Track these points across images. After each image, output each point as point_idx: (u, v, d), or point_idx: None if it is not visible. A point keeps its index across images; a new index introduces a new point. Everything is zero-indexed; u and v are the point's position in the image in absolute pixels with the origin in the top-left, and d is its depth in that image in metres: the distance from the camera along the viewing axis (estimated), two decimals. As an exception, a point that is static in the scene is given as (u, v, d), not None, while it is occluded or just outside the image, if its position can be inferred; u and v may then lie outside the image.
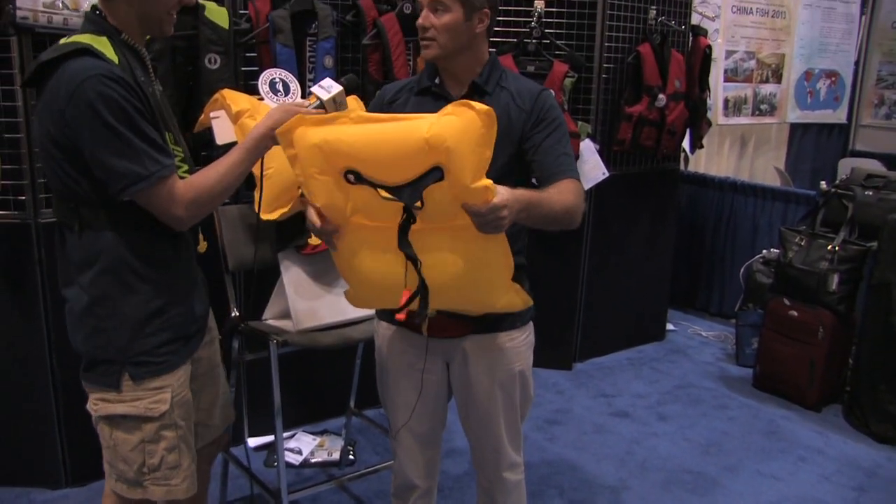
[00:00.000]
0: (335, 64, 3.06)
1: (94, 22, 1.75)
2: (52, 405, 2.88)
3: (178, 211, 1.73)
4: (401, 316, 1.74)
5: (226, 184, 1.80)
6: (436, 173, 1.59)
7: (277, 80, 2.73)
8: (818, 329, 3.78)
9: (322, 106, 1.90)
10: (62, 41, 1.73)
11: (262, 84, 2.71)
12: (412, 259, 1.68)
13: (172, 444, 1.85)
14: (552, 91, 2.05)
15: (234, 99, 2.61)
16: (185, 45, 2.82)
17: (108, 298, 1.77)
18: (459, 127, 1.56)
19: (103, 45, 1.70)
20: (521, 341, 2.06)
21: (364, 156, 1.64)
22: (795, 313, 3.87)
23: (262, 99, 2.70)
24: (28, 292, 2.79)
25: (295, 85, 2.73)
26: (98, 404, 1.82)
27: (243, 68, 3.04)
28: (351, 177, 1.66)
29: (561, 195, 1.82)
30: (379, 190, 1.66)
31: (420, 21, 1.93)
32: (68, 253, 1.79)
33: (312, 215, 1.74)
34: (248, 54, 3.04)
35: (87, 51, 1.66)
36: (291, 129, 1.70)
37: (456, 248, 1.72)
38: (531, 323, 2.11)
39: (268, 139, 1.84)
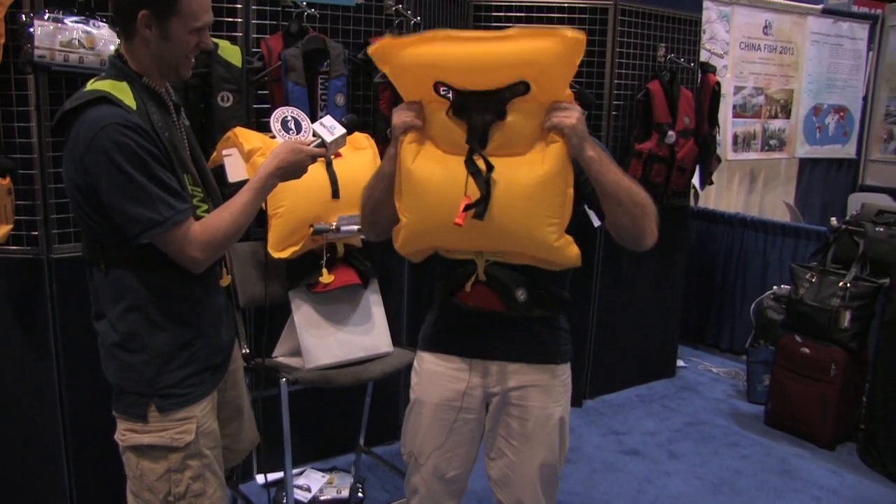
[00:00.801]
0: (346, 101, 3.08)
1: (116, 67, 1.81)
2: (60, 438, 2.87)
3: (195, 253, 1.78)
4: (459, 221, 1.75)
5: (238, 224, 1.84)
6: (520, 86, 1.73)
7: (289, 118, 2.75)
8: (830, 366, 3.75)
9: (323, 144, 1.96)
10: (89, 84, 1.78)
11: (274, 122, 2.73)
12: (480, 169, 1.76)
13: (198, 473, 1.89)
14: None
15: (247, 137, 2.63)
16: (198, 82, 2.84)
17: (135, 335, 1.82)
18: (551, 46, 1.68)
19: (123, 90, 1.75)
20: (559, 382, 2.05)
21: (455, 68, 1.75)
22: (807, 350, 3.85)
23: (274, 137, 2.72)
24: (39, 327, 2.80)
25: (307, 123, 2.76)
26: (126, 434, 1.87)
27: (255, 106, 3.06)
28: (442, 89, 1.78)
29: (636, 185, 1.85)
30: (448, 113, 1.79)
31: None
32: (97, 289, 1.86)
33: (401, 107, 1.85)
34: (260, 92, 3.06)
35: (106, 98, 1.71)
36: (383, 47, 1.79)
37: (520, 173, 1.76)
38: (569, 365, 2.09)
39: (274, 178, 1.90)
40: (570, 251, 1.85)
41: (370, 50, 1.80)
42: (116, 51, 1.84)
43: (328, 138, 1.96)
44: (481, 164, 1.77)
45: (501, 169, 1.76)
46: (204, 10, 1.80)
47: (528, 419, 2.01)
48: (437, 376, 2.07)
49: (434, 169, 1.82)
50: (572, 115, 1.73)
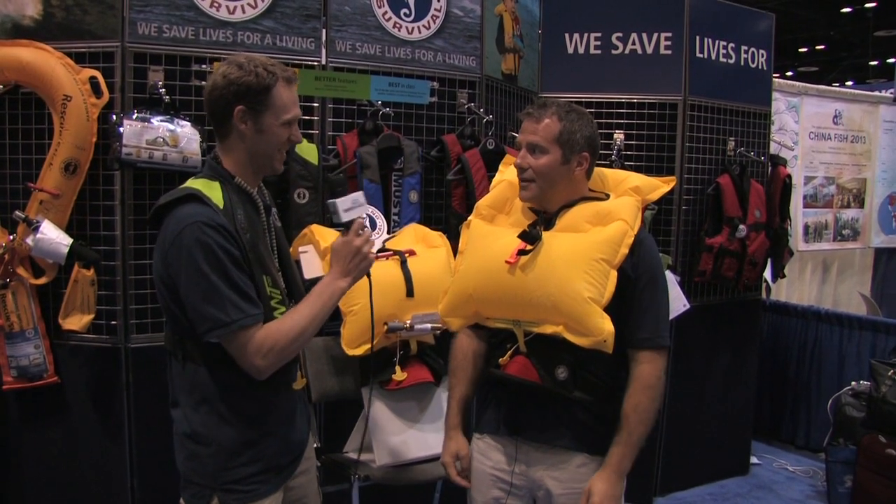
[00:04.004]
0: (420, 198, 3.12)
1: (211, 167, 1.88)
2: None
3: (255, 360, 1.79)
4: (511, 259, 1.93)
5: (302, 330, 1.84)
6: (603, 195, 2.11)
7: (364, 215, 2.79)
8: (920, 470, 3.58)
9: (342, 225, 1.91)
10: (187, 182, 1.86)
11: (350, 219, 2.77)
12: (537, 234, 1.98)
13: None
14: (651, 237, 2.07)
15: (323, 234, 2.68)
16: (274, 179, 2.86)
17: (204, 427, 1.85)
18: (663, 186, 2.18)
19: (214, 189, 1.82)
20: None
21: None
22: (893, 452, 3.67)
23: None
24: (114, 414, 2.85)
25: (381, 220, 2.80)
26: None
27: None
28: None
29: (643, 415, 1.93)
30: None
31: (518, 161, 1.98)
32: (174, 379, 1.90)
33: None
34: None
35: (195, 196, 1.78)
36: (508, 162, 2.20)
37: (569, 239, 1.95)
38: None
39: (344, 282, 1.88)
40: (603, 323, 1.87)
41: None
42: (213, 152, 1.91)
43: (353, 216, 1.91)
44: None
45: (555, 237, 1.96)
46: (293, 102, 1.87)
47: None
48: (482, 475, 2.08)
49: (494, 234, 2.05)
50: None
